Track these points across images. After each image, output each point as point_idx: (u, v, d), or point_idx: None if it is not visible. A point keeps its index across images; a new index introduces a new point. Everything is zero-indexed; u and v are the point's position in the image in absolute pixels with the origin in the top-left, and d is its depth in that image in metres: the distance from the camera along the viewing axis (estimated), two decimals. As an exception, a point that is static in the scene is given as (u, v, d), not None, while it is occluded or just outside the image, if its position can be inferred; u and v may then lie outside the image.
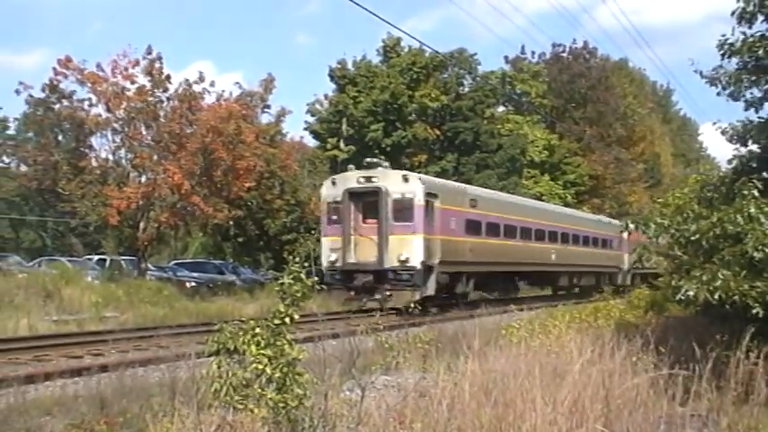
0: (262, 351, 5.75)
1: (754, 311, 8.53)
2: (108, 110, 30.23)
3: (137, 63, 30.86)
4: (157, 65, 31.03)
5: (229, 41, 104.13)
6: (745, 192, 9.46)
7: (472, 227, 26.22)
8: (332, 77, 45.45)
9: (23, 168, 38.41)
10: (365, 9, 14.32)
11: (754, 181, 9.66)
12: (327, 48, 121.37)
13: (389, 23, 42.04)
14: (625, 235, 41.33)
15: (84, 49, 77.53)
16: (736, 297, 8.57)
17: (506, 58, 56.88)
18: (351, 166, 27.65)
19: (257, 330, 5.92)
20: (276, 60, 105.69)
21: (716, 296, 8.73)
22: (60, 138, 32.26)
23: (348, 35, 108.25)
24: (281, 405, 5.60)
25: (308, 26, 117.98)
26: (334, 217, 24.16)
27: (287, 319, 5.85)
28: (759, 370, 7.92)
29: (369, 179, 23.77)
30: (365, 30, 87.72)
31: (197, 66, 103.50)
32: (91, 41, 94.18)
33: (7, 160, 47.88)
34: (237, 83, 62.02)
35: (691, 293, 8.97)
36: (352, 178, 24.40)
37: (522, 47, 58.07)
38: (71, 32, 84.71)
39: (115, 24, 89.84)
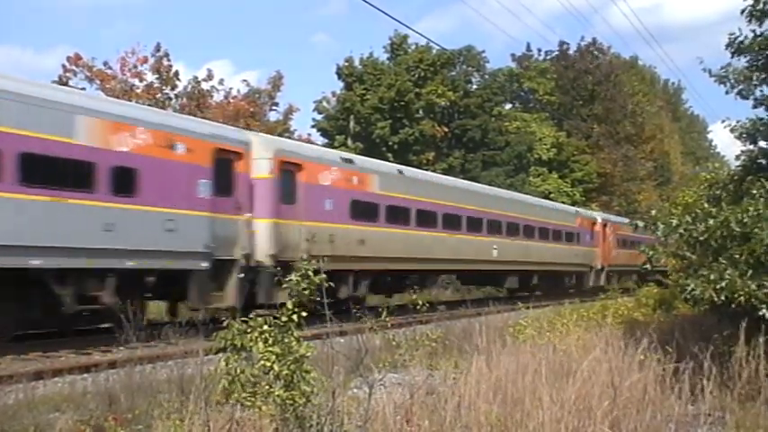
0: (269, 348, 5.77)
1: (761, 313, 8.49)
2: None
3: (145, 60, 30.98)
4: (165, 62, 31.15)
5: (248, 41, 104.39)
6: (754, 191, 9.43)
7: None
8: (339, 75, 45.42)
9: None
10: (374, 6, 14.29)
11: (762, 180, 9.63)
12: (345, 47, 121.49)
13: (399, 21, 42.06)
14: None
15: (104, 49, 77.80)
16: (741, 297, 8.54)
17: (513, 56, 56.93)
18: None
19: (265, 327, 5.94)
20: (293, 59, 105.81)
21: (722, 296, 8.70)
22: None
23: (365, 34, 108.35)
24: (288, 402, 5.61)
25: (326, 26, 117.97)
26: None
27: (294, 317, 5.87)
28: (762, 369, 7.93)
29: None
30: (382, 28, 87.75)
31: (214, 64, 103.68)
32: (111, 40, 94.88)
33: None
34: (245, 80, 62.07)
35: (697, 292, 8.96)
36: None
37: (528, 44, 58.04)
38: (92, 32, 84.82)
39: (136, 24, 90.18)
